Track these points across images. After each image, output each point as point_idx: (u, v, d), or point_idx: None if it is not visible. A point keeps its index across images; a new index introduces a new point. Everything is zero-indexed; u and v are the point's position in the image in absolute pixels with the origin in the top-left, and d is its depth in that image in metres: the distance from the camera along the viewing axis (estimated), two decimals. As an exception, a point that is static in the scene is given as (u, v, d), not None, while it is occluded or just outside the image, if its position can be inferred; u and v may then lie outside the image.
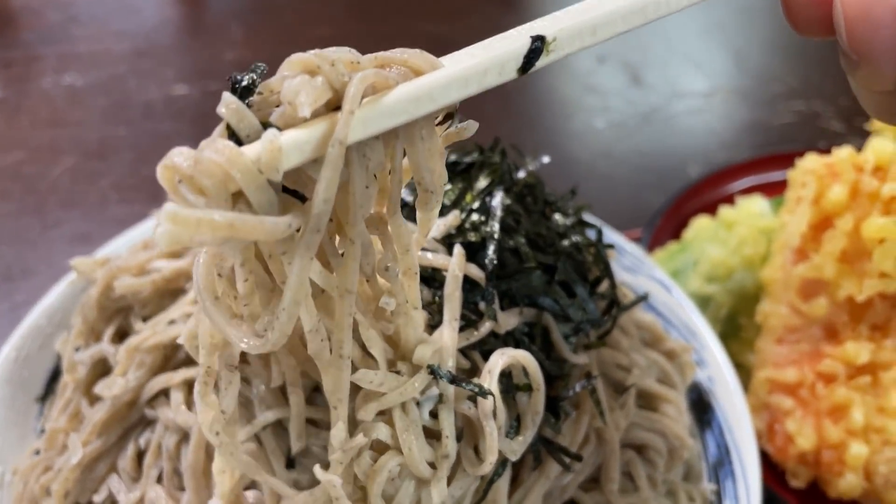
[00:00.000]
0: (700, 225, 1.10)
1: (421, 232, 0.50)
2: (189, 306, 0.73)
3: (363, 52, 0.44)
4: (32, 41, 1.69)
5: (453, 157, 0.73)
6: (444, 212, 0.66)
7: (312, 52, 0.41)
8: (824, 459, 0.91)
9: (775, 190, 1.16)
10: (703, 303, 1.02)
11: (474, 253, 0.64)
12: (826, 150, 1.40)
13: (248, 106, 0.39)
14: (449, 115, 0.45)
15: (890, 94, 0.45)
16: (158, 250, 0.80)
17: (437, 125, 0.46)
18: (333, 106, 0.40)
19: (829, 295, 0.92)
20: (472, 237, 0.64)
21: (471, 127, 0.46)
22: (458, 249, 0.61)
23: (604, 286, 0.77)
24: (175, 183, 0.36)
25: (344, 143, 0.38)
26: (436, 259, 0.60)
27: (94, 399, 0.77)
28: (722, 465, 0.86)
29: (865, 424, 0.89)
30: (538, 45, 0.43)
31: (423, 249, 0.62)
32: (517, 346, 0.64)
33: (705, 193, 1.23)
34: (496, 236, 0.63)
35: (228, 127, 0.39)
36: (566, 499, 0.70)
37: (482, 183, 0.68)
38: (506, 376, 0.61)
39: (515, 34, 0.44)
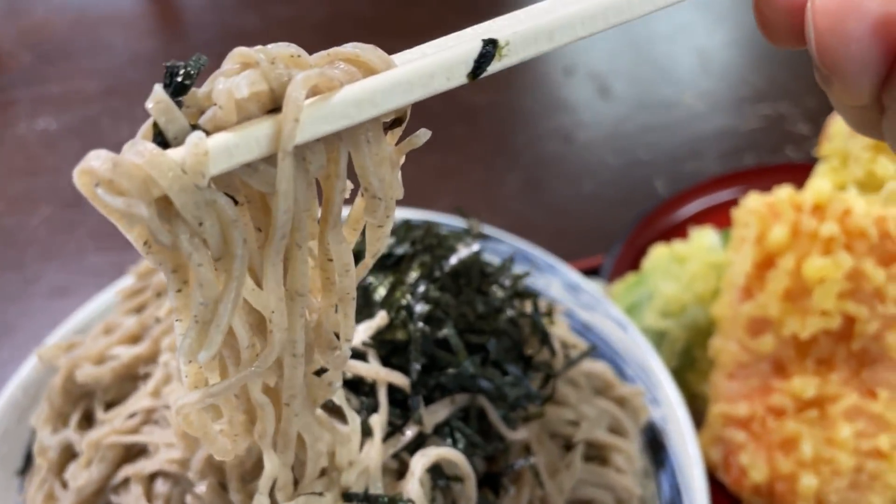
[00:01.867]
0: (655, 256, 1.12)
1: (369, 249, 0.47)
2: (147, 399, 0.76)
3: None
4: (5, 84, 1.71)
5: (384, 250, 0.75)
6: (373, 311, 0.68)
7: (257, 47, 0.40)
8: (777, 490, 0.94)
9: (729, 212, 1.18)
10: (659, 337, 1.05)
11: (404, 350, 0.67)
12: (791, 161, 1.42)
13: (180, 105, 0.38)
14: (398, 120, 0.43)
15: (867, 108, 0.44)
16: (117, 336, 0.83)
17: (387, 130, 0.44)
18: (269, 107, 0.39)
19: (775, 332, 0.94)
20: (400, 335, 0.66)
21: (422, 136, 0.44)
22: (374, 365, 0.64)
23: (546, 354, 0.80)
24: (92, 188, 0.35)
25: (290, 153, 0.37)
26: (362, 367, 0.63)
27: (65, 482, 0.81)
28: (674, 506, 0.90)
29: (815, 456, 0.92)
30: (489, 50, 0.41)
31: (353, 353, 0.65)
32: (451, 431, 0.67)
33: (662, 219, 1.25)
34: (418, 341, 0.65)
35: (155, 125, 0.37)
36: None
37: (412, 276, 0.71)
38: (436, 469, 0.64)
39: (469, 34, 0.43)
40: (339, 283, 0.46)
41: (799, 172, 1.26)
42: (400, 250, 0.75)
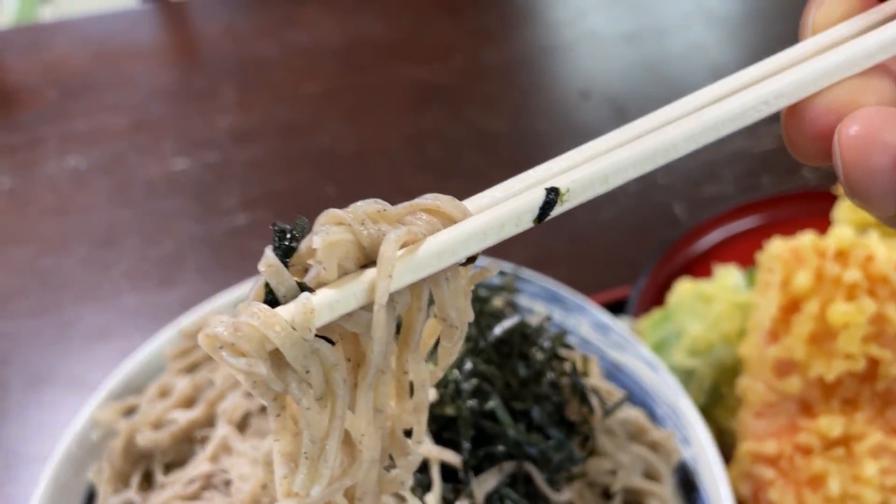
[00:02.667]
0: (681, 293, 1.15)
1: (440, 364, 0.50)
2: (206, 464, 0.80)
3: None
4: (33, 122, 1.74)
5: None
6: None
7: (347, 208, 0.44)
8: (806, 526, 0.98)
9: (751, 244, 1.21)
10: (687, 376, 1.09)
11: (453, 424, 0.70)
12: (808, 185, 1.45)
13: (287, 265, 0.42)
14: (471, 258, 0.47)
15: (891, 218, 0.47)
16: (173, 400, 0.87)
17: (461, 265, 0.47)
18: (364, 263, 0.43)
19: (801, 374, 0.98)
20: (449, 410, 0.70)
21: (492, 268, 0.48)
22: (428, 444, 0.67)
23: (585, 412, 0.83)
24: (216, 349, 0.39)
25: (384, 305, 0.42)
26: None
27: (128, 541, 0.85)
28: (709, 546, 0.94)
29: (842, 493, 0.96)
30: (552, 198, 0.46)
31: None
32: (501, 499, 0.71)
33: (684, 250, 1.28)
34: (468, 418, 0.69)
35: (266, 285, 0.41)
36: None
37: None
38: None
39: (532, 178, 0.48)
40: (416, 397, 0.50)
41: (819, 201, 1.29)
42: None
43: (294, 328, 0.39)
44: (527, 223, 0.46)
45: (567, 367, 0.83)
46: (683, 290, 1.17)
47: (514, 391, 0.75)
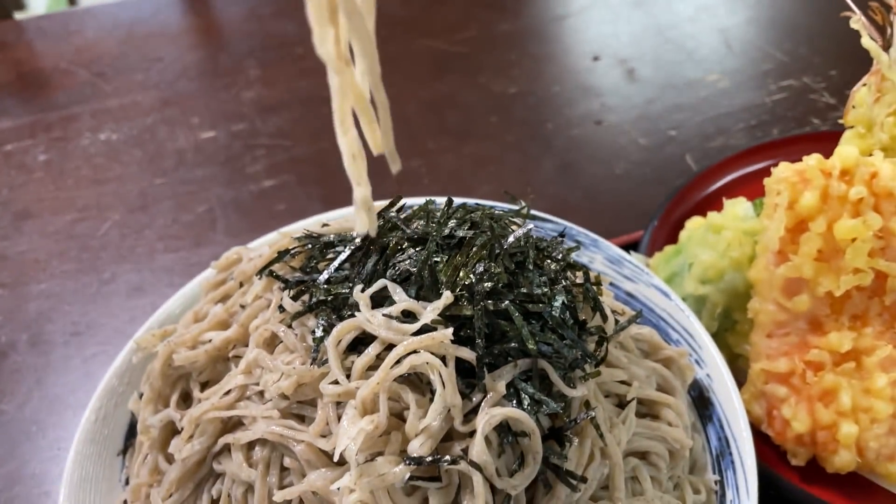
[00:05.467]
0: (692, 227, 1.19)
1: None
2: (241, 377, 0.85)
3: None
4: (66, 101, 1.81)
5: (446, 231, 0.83)
6: (440, 291, 0.76)
7: None
8: (819, 440, 1.00)
9: (760, 182, 1.24)
10: (700, 303, 1.12)
11: (469, 324, 0.75)
12: (816, 131, 1.47)
13: None
14: None
15: None
16: (208, 323, 0.92)
17: None
18: None
19: (810, 291, 1.01)
20: (466, 311, 0.74)
21: None
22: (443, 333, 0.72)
23: (597, 319, 0.87)
24: None
25: None
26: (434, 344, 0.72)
27: (168, 456, 0.90)
28: (723, 457, 0.97)
29: (853, 406, 0.99)
30: None
31: (424, 329, 0.73)
32: (517, 392, 0.75)
33: (696, 193, 1.32)
34: (482, 316, 0.73)
35: None
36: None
37: (473, 257, 0.79)
38: (505, 428, 0.72)
39: None
40: None
41: (825, 141, 1.31)
42: (461, 233, 0.82)
43: None
44: None
45: (580, 275, 0.87)
46: (694, 225, 1.20)
47: (529, 294, 0.79)
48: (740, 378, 1.08)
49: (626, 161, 1.58)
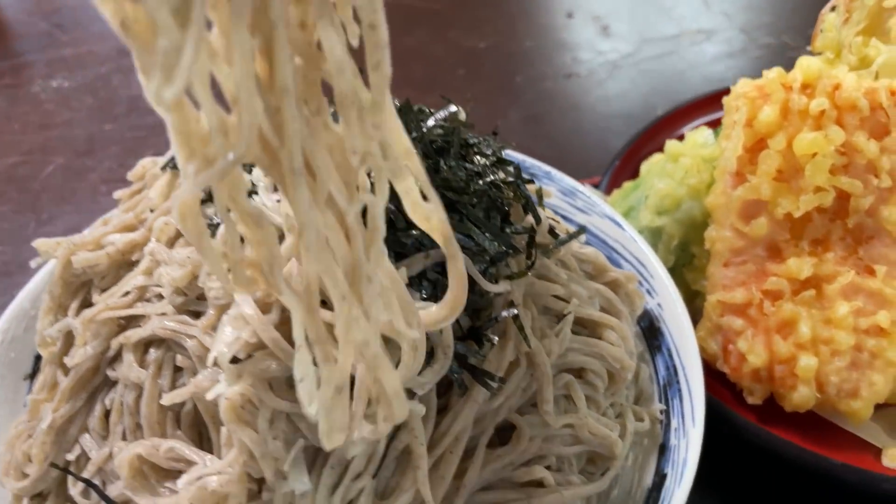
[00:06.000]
0: (652, 161, 1.12)
1: (372, 70, 0.46)
2: (141, 278, 0.78)
3: None
4: (22, 50, 1.76)
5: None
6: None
7: None
8: (777, 374, 0.93)
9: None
10: (655, 235, 1.05)
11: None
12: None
13: None
14: None
15: None
16: (113, 225, 0.85)
17: None
18: None
19: (769, 214, 0.94)
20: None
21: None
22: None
23: (530, 221, 0.80)
24: None
25: None
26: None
27: (66, 369, 0.83)
28: (671, 385, 0.90)
29: (813, 337, 0.92)
30: None
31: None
32: (426, 284, 0.68)
33: (664, 133, 1.25)
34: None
35: None
36: (500, 421, 0.74)
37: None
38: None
39: None
40: (336, 86, 0.45)
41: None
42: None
43: None
44: None
45: (511, 170, 0.80)
46: (653, 160, 1.14)
47: (447, 181, 0.72)
48: (697, 316, 1.01)
49: (594, 113, 1.51)
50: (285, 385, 0.64)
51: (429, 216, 0.50)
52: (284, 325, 0.64)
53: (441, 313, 0.57)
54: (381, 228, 0.49)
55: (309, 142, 0.44)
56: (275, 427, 0.61)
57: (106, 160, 1.48)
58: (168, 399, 0.70)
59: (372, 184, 0.48)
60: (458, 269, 0.54)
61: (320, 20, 0.43)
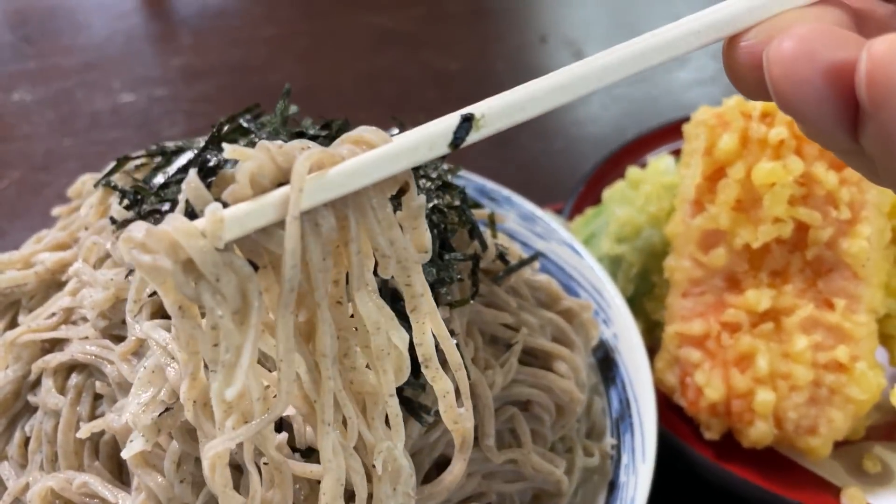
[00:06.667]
0: (614, 189, 1.10)
1: (408, 305, 0.51)
2: (67, 299, 0.74)
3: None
4: (-15, 62, 1.73)
5: (297, 129, 0.74)
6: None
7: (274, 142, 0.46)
8: (734, 409, 0.90)
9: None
10: (615, 263, 1.02)
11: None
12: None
13: (209, 185, 0.44)
14: (402, 190, 0.48)
15: (851, 153, 0.45)
16: (44, 244, 0.82)
17: (396, 197, 0.49)
18: (280, 181, 0.45)
19: (727, 244, 0.91)
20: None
21: (419, 200, 0.49)
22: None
23: (475, 248, 0.77)
24: (130, 250, 0.41)
25: (297, 218, 0.43)
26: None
27: (-10, 393, 0.79)
28: (623, 419, 0.87)
29: (771, 371, 0.89)
30: (467, 123, 0.46)
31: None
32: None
33: (628, 160, 1.23)
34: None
35: (187, 202, 0.44)
36: (437, 456, 0.71)
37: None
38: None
39: (449, 116, 0.48)
40: (373, 342, 0.50)
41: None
42: (312, 131, 0.73)
43: (204, 235, 0.41)
44: (441, 148, 0.46)
45: (456, 195, 0.77)
46: (616, 187, 1.11)
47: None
48: (656, 347, 0.99)
49: (565, 137, 1.49)
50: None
51: (458, 420, 0.56)
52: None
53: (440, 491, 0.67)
54: (404, 467, 0.54)
55: (341, 395, 0.50)
56: (182, 470, 0.58)
57: (63, 176, 1.44)
58: (83, 431, 0.66)
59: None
60: (461, 466, 0.65)
61: (357, 293, 0.49)
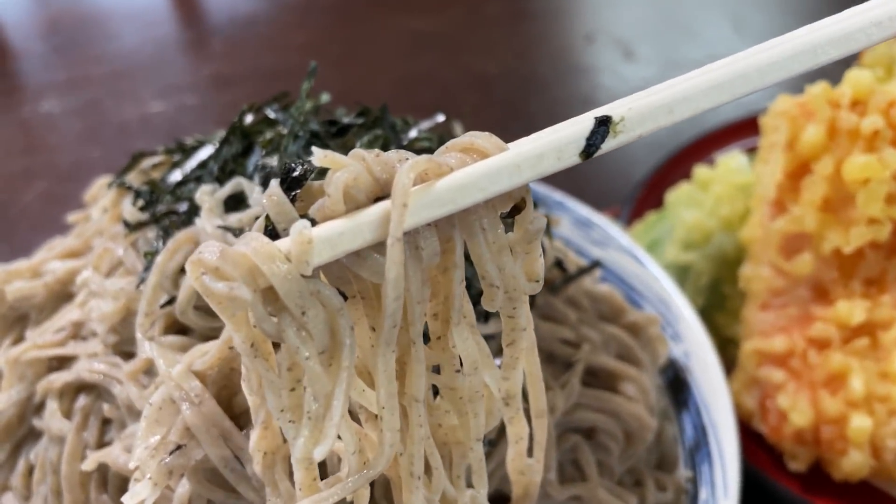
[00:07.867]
0: (679, 191, 1.00)
1: (505, 340, 0.46)
2: (76, 312, 0.67)
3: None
4: (15, 71, 1.70)
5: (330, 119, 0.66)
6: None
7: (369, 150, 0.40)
8: (824, 436, 0.80)
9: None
10: (682, 272, 0.93)
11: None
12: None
13: (293, 199, 0.39)
14: (517, 208, 0.42)
15: None
16: (55, 252, 0.75)
17: (508, 217, 0.43)
18: (378, 195, 0.39)
19: (814, 249, 0.81)
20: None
21: (538, 221, 0.43)
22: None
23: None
24: (199, 275, 0.35)
25: (399, 239, 0.37)
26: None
27: (-5, 415, 0.72)
28: (699, 449, 0.77)
29: (867, 393, 0.78)
30: (603, 128, 0.41)
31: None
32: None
33: (692, 160, 1.13)
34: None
35: (268, 218, 0.39)
36: (491, 490, 0.61)
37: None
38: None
39: (580, 118, 0.42)
40: (466, 382, 0.44)
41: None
42: (347, 119, 0.65)
43: (289, 259, 0.35)
44: (571, 157, 0.40)
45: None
46: (681, 189, 1.01)
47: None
48: (730, 366, 0.88)
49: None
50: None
51: (524, 472, 0.51)
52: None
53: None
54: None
55: (428, 443, 0.44)
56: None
57: (90, 187, 1.38)
58: (87, 464, 0.58)
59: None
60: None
61: (456, 327, 0.43)
